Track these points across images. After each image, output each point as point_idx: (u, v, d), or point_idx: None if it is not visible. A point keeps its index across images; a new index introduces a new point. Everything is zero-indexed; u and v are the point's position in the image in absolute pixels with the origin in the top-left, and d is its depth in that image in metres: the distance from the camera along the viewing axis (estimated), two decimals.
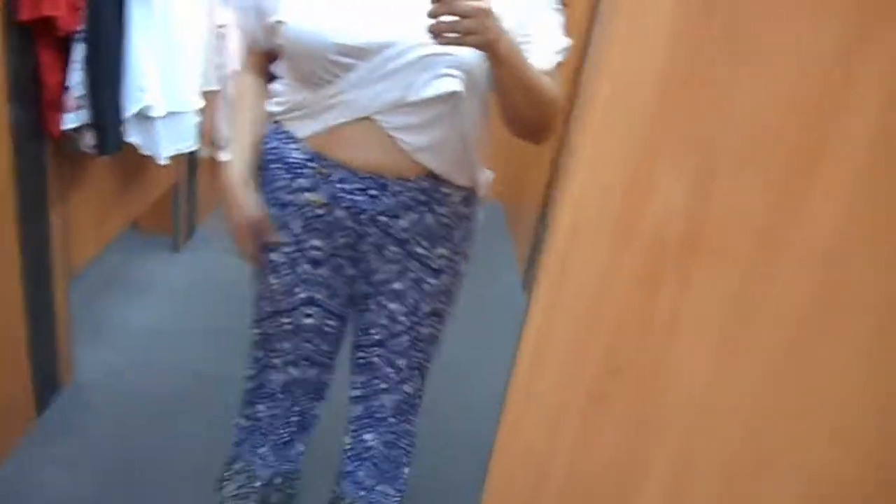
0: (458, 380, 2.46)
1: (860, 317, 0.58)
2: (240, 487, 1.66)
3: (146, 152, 2.25)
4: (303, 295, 1.42)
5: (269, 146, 1.36)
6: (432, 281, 1.41)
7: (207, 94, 2.82)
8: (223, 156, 3.48)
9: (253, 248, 1.40)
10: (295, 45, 1.22)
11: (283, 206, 1.36)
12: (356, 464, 1.64)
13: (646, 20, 0.52)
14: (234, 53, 3.10)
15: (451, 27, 1.05)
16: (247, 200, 1.35)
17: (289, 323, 1.46)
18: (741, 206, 0.56)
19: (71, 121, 1.83)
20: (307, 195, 1.32)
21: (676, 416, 0.64)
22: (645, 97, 0.54)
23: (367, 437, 1.60)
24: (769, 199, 0.56)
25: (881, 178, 0.54)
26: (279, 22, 1.22)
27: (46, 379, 2.08)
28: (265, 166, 1.38)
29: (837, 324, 0.59)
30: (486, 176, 1.42)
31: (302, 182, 1.32)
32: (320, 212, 1.34)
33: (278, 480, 1.68)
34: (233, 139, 1.41)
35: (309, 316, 1.44)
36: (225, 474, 1.69)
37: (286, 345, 1.49)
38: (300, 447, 1.67)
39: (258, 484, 1.65)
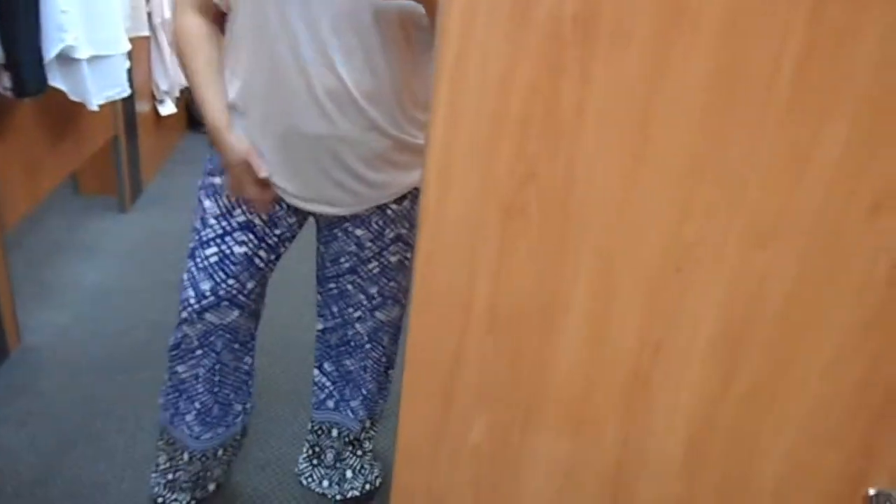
0: None
1: (762, 90, 0.57)
2: (170, 460, 1.56)
3: (74, 97, 2.16)
4: (241, 218, 1.35)
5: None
6: (394, 206, 1.40)
7: (138, 41, 2.72)
8: (164, 108, 3.39)
9: (251, 188, 1.30)
10: None
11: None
12: (339, 385, 1.62)
13: None
14: None
15: None
16: (233, 142, 1.28)
17: (215, 253, 1.36)
18: None
19: None
20: None
21: (595, 219, 0.62)
22: None
23: (347, 362, 1.59)
24: None
25: None
26: None
27: None
28: None
29: (742, 98, 0.57)
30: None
31: None
32: None
33: (218, 453, 1.58)
34: (197, 87, 1.30)
35: (241, 243, 1.36)
36: (158, 443, 1.57)
37: (206, 285, 1.37)
38: (238, 407, 1.55)
39: (186, 458, 1.54)
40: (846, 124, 0.61)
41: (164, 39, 3.17)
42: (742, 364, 0.73)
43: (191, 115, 3.98)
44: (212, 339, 1.43)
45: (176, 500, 1.60)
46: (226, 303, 1.39)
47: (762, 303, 0.68)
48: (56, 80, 2.06)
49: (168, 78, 3.30)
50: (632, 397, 0.72)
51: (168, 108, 3.38)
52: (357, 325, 1.54)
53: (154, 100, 3.33)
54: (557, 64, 0.56)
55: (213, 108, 1.29)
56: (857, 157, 0.63)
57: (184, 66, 1.33)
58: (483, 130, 0.59)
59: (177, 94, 3.45)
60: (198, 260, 1.37)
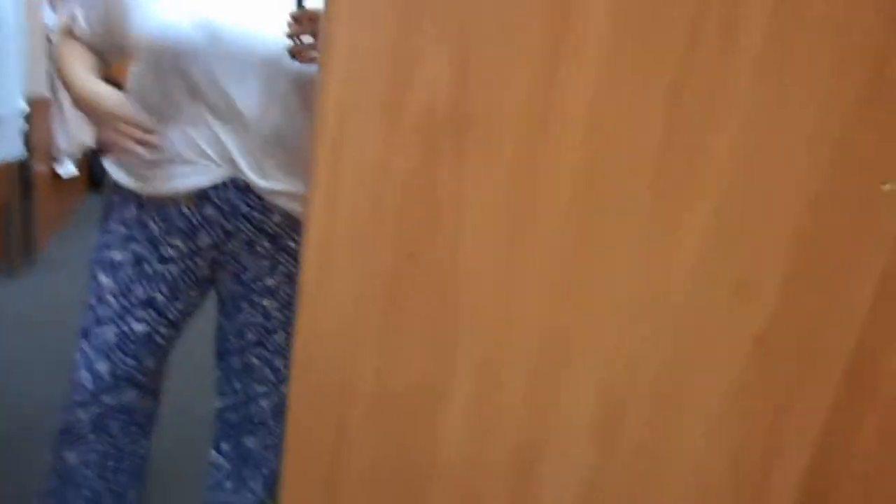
0: None
1: (627, 180, 0.60)
2: None
3: None
4: (142, 295, 1.28)
5: None
6: None
7: (38, 103, 2.63)
8: (64, 170, 3.27)
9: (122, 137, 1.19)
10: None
11: (143, 205, 1.25)
12: (237, 466, 1.52)
13: None
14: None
15: (311, 47, 1.08)
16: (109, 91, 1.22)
17: (113, 332, 1.28)
18: (501, 80, 0.56)
19: None
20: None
21: (475, 302, 0.63)
22: None
23: (248, 441, 1.51)
24: (526, 73, 0.56)
25: (625, 46, 0.56)
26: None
27: None
28: None
29: (609, 188, 0.61)
30: None
31: None
32: (186, 211, 1.23)
33: None
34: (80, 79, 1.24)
35: (142, 321, 1.29)
36: None
37: (102, 365, 1.29)
38: (132, 494, 1.44)
39: None
40: (708, 213, 0.66)
41: (65, 101, 3.07)
42: (624, 434, 0.75)
43: (93, 175, 3.84)
44: (107, 421, 1.34)
45: None
46: (124, 382, 1.31)
47: (639, 376, 0.71)
48: None
49: (69, 139, 3.19)
50: (521, 466, 0.72)
51: (69, 171, 3.26)
52: (261, 401, 1.47)
53: (53, 161, 3.20)
54: (433, 156, 0.58)
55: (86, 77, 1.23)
56: (719, 242, 0.67)
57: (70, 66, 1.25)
58: (362, 215, 0.60)
59: (79, 155, 3.34)
60: (92, 339, 1.29)
